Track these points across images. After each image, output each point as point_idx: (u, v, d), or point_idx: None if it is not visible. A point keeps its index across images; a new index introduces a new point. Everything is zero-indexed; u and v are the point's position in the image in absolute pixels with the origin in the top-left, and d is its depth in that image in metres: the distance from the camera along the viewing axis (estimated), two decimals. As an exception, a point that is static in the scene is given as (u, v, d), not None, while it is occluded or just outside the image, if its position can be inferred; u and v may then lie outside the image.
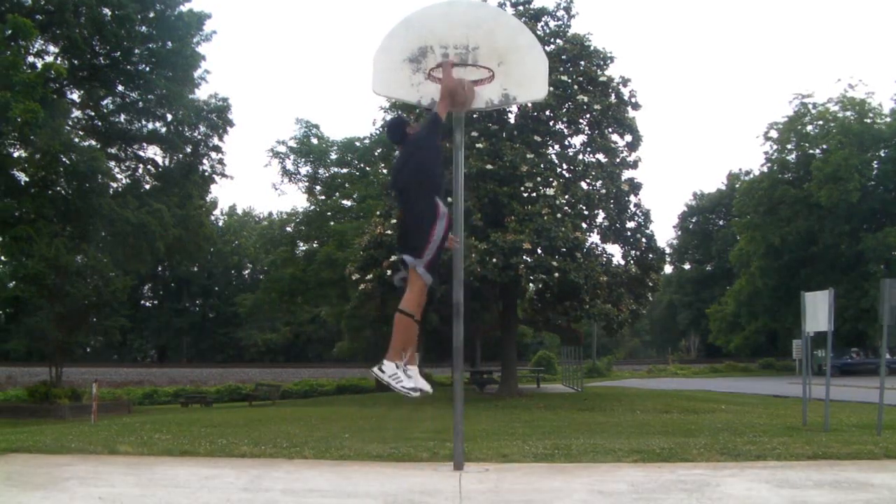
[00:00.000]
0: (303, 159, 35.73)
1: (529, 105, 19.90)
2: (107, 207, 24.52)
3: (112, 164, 28.13)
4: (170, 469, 6.35)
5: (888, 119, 39.71)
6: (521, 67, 6.49)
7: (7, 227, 23.73)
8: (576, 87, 21.26)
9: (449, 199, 5.83)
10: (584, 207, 20.92)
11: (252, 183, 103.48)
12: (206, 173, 30.20)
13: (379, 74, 6.47)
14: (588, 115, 21.67)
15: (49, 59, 24.88)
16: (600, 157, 22.15)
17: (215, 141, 29.49)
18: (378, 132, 33.99)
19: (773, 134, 41.98)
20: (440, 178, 5.51)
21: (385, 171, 30.91)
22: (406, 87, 6.50)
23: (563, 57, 21.51)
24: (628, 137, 22.35)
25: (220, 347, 67.63)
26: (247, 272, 72.40)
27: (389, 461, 6.83)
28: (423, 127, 5.61)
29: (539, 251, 19.19)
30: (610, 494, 5.23)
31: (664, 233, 76.74)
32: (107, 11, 24.94)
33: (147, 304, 68.82)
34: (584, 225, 21.13)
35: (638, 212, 22.40)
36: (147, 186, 29.24)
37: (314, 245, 34.38)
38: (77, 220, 25.38)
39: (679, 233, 66.68)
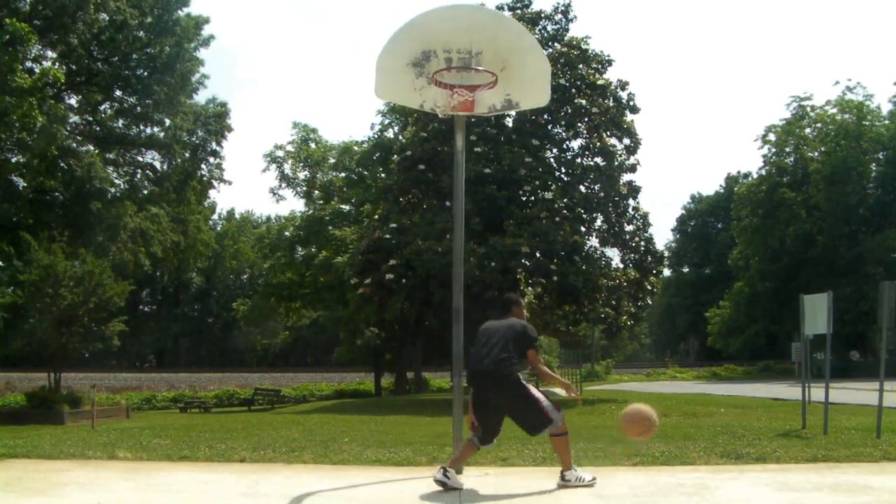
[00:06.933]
0: (300, 164, 35.73)
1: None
2: (105, 212, 24.51)
3: (110, 169, 28.11)
4: (169, 474, 6.33)
5: (886, 121, 39.73)
6: (523, 71, 6.47)
7: (5, 232, 23.71)
8: (574, 90, 21.29)
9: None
10: (582, 211, 20.92)
11: (251, 187, 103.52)
12: (205, 178, 30.22)
13: (382, 79, 6.44)
14: (586, 119, 21.68)
15: (47, 64, 24.90)
16: (598, 160, 22.15)
17: (213, 146, 29.54)
18: (376, 136, 34.05)
19: (771, 137, 41.97)
20: None
21: (383, 175, 30.87)
22: (409, 92, 6.49)
23: (562, 61, 21.52)
24: (626, 141, 22.37)
25: (218, 352, 67.57)
26: (245, 276, 72.36)
27: (388, 466, 6.82)
28: None
29: (538, 255, 19.16)
30: (609, 498, 5.22)
31: (663, 236, 76.88)
32: (105, 17, 24.97)
33: (145, 308, 68.77)
34: (582, 228, 21.13)
35: (636, 215, 22.40)
36: (145, 191, 29.24)
37: (312, 249, 34.33)
38: (75, 225, 25.37)
39: (678, 236, 66.68)
